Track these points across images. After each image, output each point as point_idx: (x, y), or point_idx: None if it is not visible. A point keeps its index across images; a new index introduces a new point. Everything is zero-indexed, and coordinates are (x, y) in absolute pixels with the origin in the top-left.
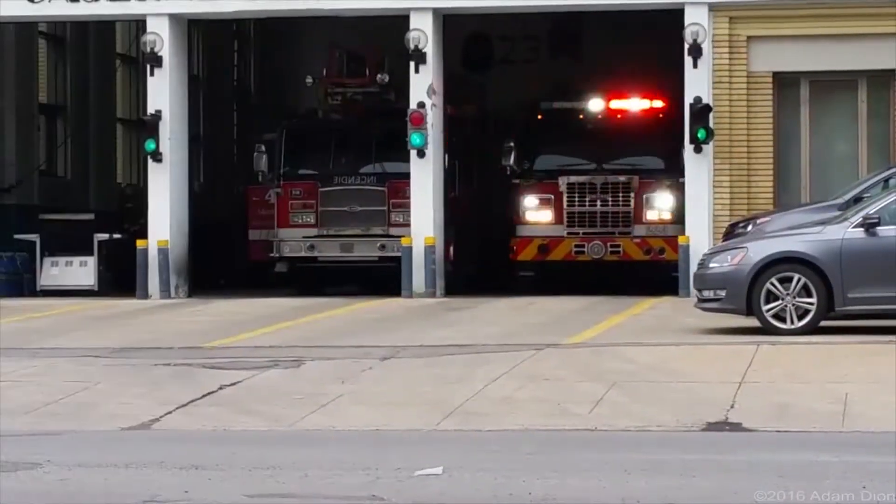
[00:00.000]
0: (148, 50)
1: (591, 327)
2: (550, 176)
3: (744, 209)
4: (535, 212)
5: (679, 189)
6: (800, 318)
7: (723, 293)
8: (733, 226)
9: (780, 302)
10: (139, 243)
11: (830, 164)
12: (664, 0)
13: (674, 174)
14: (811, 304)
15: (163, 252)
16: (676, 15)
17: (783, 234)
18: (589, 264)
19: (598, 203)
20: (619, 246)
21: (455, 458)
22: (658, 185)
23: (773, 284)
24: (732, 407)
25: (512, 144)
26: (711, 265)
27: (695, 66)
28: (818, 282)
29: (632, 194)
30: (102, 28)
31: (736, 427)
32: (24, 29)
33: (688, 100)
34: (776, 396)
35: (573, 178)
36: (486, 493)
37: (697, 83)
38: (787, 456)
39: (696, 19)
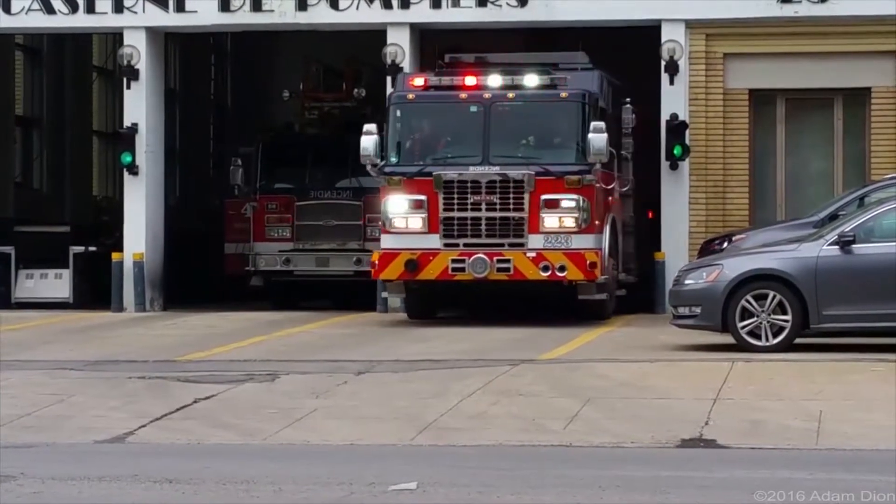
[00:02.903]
0: (125, 63)
1: (565, 343)
2: (423, 173)
3: (719, 226)
4: (403, 217)
5: (589, 190)
6: (775, 335)
7: (698, 310)
8: (708, 242)
9: (755, 319)
10: (115, 256)
11: (806, 182)
12: (641, 17)
13: (581, 170)
14: (786, 321)
15: (138, 265)
16: (653, 31)
17: (758, 252)
18: (473, 286)
19: (483, 206)
20: (508, 261)
21: (429, 473)
22: (560, 184)
23: (748, 301)
24: (707, 424)
25: (374, 132)
26: (687, 282)
27: (671, 82)
28: (793, 299)
29: (526, 195)
30: (79, 41)
31: (710, 444)
32: (1, 41)
33: (664, 116)
34: (750, 413)
35: (451, 175)
36: None
37: (674, 100)
38: (761, 473)
39: (673, 36)
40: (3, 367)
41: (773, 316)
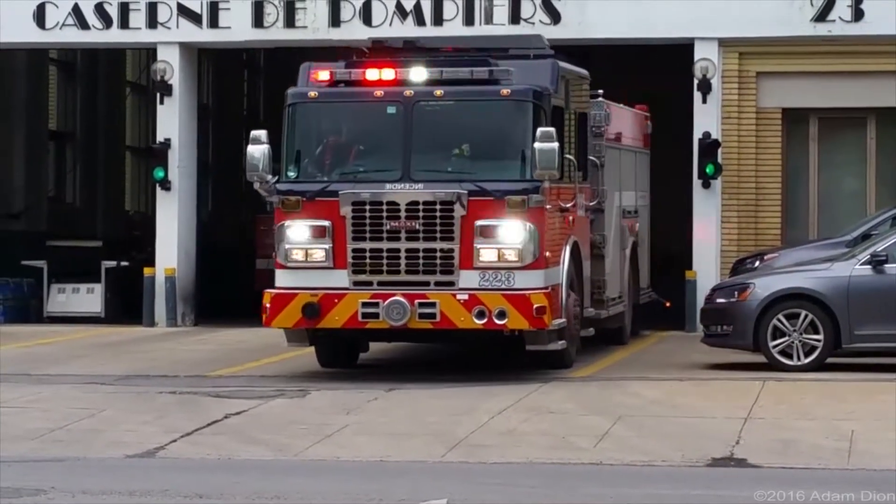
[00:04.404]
0: (158, 78)
1: (596, 361)
2: (327, 192)
3: (751, 245)
4: (301, 249)
5: (537, 213)
6: (806, 354)
7: (729, 328)
8: (740, 261)
9: (786, 338)
10: (146, 271)
11: (838, 201)
12: (674, 35)
13: (526, 189)
14: (818, 340)
15: (170, 280)
16: (686, 49)
17: (790, 271)
18: (393, 334)
19: (403, 235)
20: (433, 305)
21: (459, 491)
22: (500, 207)
23: (779, 320)
24: (738, 443)
25: (263, 140)
26: (718, 300)
27: (704, 101)
28: (825, 318)
29: (457, 221)
30: (113, 56)
31: (741, 463)
32: (35, 55)
33: (696, 135)
34: (782, 432)
35: (362, 195)
36: None
37: (706, 118)
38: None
39: (706, 55)
40: (35, 381)
41: (804, 335)
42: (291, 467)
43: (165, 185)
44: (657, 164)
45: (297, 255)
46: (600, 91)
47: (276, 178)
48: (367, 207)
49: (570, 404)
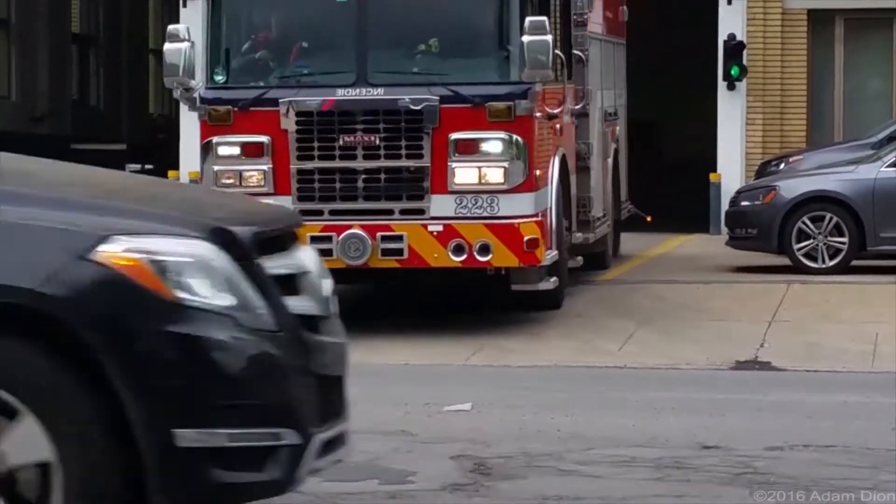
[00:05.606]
0: None
1: (621, 264)
2: (264, 100)
3: (776, 147)
4: (234, 171)
5: (525, 123)
6: (831, 257)
7: (754, 231)
8: (765, 164)
9: (811, 241)
10: (170, 174)
11: (864, 103)
12: None
13: (512, 93)
14: (843, 243)
15: (194, 183)
16: None
17: (815, 173)
18: (350, 275)
19: (360, 152)
20: (399, 239)
21: (484, 394)
22: (480, 116)
23: (804, 223)
24: (762, 346)
25: (183, 36)
26: (743, 203)
27: (729, 2)
28: (850, 221)
29: (427, 134)
30: None
31: (765, 366)
32: None
33: (721, 37)
34: (806, 336)
35: (309, 103)
36: (514, 430)
37: (731, 20)
38: (816, 396)
39: None
40: None
41: (829, 238)
42: None
43: None
44: (682, 68)
45: (229, 179)
46: None
47: (201, 83)
48: (315, 118)
49: (595, 308)
